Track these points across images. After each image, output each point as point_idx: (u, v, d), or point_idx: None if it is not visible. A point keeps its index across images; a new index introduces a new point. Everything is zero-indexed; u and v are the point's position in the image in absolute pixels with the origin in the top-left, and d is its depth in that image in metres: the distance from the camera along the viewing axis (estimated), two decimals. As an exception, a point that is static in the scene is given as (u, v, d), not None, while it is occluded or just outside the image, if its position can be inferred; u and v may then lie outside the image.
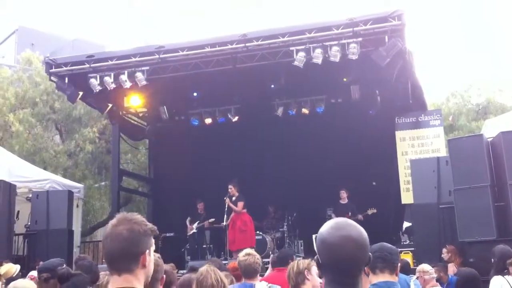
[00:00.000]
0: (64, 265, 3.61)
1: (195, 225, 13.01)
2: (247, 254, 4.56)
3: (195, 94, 13.65)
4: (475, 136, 9.74)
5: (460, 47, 50.19)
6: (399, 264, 3.23)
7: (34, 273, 7.59)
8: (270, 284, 4.58)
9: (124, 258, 2.01)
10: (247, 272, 4.55)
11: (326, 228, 1.90)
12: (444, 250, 8.62)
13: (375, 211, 12.25)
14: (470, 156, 8.74)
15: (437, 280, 6.51)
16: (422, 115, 13.17)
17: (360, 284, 1.85)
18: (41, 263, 9.36)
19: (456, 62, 44.32)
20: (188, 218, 13.23)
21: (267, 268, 7.18)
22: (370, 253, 1.89)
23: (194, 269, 5.55)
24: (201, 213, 13.18)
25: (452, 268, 8.20)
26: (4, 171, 11.53)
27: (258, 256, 4.64)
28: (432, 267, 6.55)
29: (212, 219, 12.73)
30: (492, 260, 5.61)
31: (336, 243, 1.83)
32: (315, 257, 1.92)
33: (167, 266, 4.03)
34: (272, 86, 12.83)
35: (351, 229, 1.86)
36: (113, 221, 2.07)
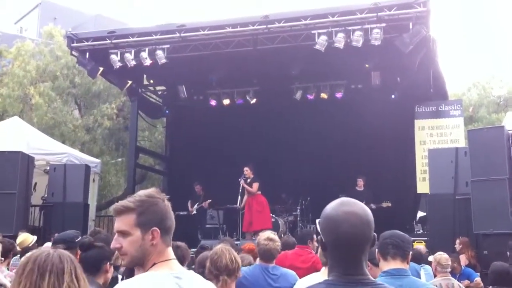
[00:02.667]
0: (88, 236, 3.64)
1: (195, 207, 13.12)
2: (269, 239, 4.54)
3: (212, 75, 13.59)
4: (496, 128, 9.60)
5: (461, 47, 49.37)
6: (411, 252, 3.20)
7: (49, 244, 7.71)
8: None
9: None
10: (265, 256, 4.57)
11: (330, 205, 1.88)
12: (457, 241, 8.56)
13: (389, 204, 12.13)
14: (490, 148, 8.63)
15: (450, 271, 6.46)
16: (443, 104, 13.02)
17: (364, 266, 1.81)
18: (56, 235, 9.54)
19: (456, 62, 43.68)
20: (190, 201, 13.32)
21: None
22: (374, 233, 1.84)
23: (204, 248, 5.59)
24: (200, 194, 13.30)
25: (463, 260, 8.14)
26: (23, 143, 11.66)
27: (278, 242, 4.65)
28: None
29: (209, 200, 12.98)
30: (508, 253, 5.54)
31: (339, 218, 1.81)
32: (318, 237, 1.90)
33: (181, 243, 4.05)
34: (293, 71, 12.75)
35: (355, 205, 1.84)
36: (164, 195, 2.12)
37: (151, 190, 2.11)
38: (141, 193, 2.09)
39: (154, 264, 2.02)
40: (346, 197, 1.92)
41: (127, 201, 2.05)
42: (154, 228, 2.02)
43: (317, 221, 1.90)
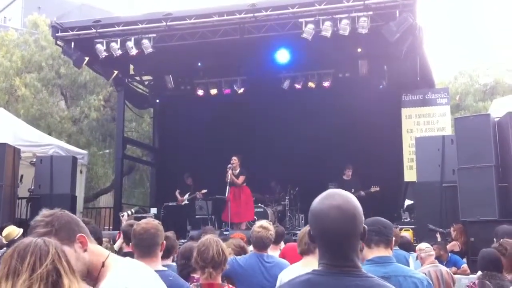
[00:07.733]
0: None
1: (186, 197, 13.08)
2: (262, 227, 4.54)
3: (199, 64, 13.51)
4: (482, 116, 9.66)
5: (448, 35, 49.48)
6: (393, 238, 3.19)
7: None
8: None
9: None
10: (257, 244, 4.56)
11: (316, 199, 1.87)
12: (452, 228, 8.64)
13: (378, 189, 12.24)
14: (476, 136, 8.68)
15: (437, 258, 6.52)
16: (429, 93, 13.07)
17: (354, 258, 1.79)
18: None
19: (443, 50, 43.75)
20: (178, 191, 13.27)
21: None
22: (364, 226, 1.83)
23: (193, 239, 5.57)
24: (190, 185, 13.27)
25: (456, 247, 8.21)
26: (9, 134, 11.54)
27: (272, 231, 4.63)
28: (432, 245, 6.56)
29: (205, 190, 12.80)
30: (495, 240, 5.57)
31: (322, 212, 1.80)
32: (308, 229, 1.89)
33: (170, 233, 4.02)
34: (279, 60, 12.70)
35: (339, 198, 1.82)
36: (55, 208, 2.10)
37: (42, 212, 2.06)
38: (38, 220, 2.01)
39: (103, 263, 2.03)
40: (334, 189, 1.91)
41: (36, 233, 1.95)
42: (78, 235, 2.02)
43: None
